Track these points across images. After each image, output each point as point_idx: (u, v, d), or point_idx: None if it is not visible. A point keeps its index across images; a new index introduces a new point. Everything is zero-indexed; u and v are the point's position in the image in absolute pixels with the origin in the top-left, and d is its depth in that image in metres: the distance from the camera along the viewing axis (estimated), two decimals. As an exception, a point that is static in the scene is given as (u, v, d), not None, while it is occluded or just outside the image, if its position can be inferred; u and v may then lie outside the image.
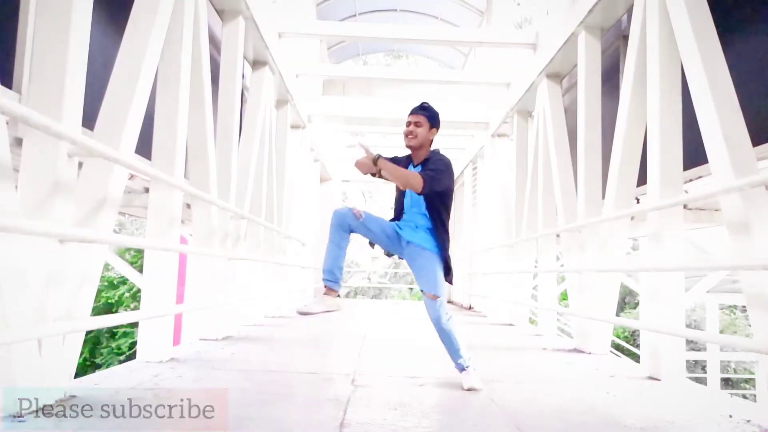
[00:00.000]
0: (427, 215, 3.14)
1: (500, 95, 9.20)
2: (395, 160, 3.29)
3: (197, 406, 2.46)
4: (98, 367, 15.63)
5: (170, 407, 2.43)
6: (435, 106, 3.25)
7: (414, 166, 3.22)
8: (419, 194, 3.02)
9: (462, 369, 3.17)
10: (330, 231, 3.18)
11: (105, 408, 2.35)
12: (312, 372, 3.21)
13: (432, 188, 2.99)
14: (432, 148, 3.25)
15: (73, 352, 2.63)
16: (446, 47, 13.59)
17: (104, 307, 16.60)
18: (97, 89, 3.16)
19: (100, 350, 16.64)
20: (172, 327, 3.86)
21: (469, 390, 3.03)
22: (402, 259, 3.28)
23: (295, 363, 3.84)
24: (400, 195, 3.27)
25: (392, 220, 3.29)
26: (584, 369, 4.04)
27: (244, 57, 6.25)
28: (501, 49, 9.20)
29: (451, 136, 13.11)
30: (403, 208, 3.24)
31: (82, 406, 2.36)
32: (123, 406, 2.41)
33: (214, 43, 5.51)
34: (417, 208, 3.16)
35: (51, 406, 2.33)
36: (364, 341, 5.03)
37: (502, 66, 9.78)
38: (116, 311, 16.21)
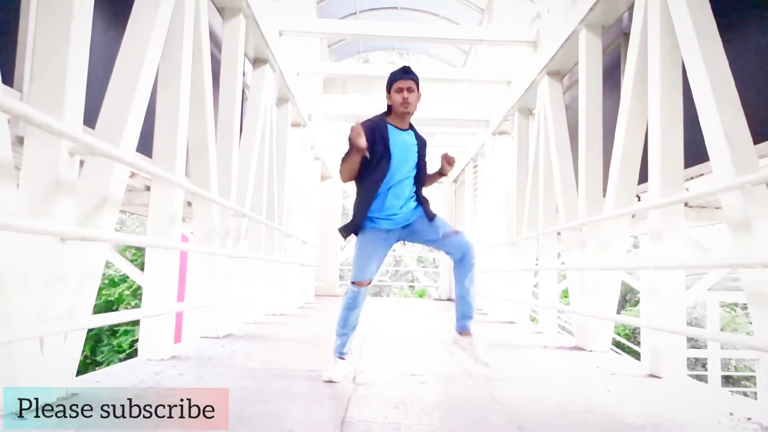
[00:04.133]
0: (414, 183, 3.16)
1: (501, 93, 9.19)
2: (374, 127, 3.03)
3: (198, 404, 2.47)
4: (99, 365, 15.66)
5: (171, 406, 2.44)
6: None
7: (398, 129, 3.09)
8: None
9: (467, 329, 3.12)
10: (346, 309, 3.16)
11: (106, 406, 2.36)
12: (313, 370, 3.21)
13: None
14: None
15: (75, 350, 2.64)
16: (447, 45, 13.57)
17: (105, 305, 16.61)
18: (99, 87, 3.16)
19: (101, 348, 16.66)
20: (174, 325, 3.86)
21: (481, 362, 3.06)
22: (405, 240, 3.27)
23: (296, 361, 3.84)
24: (387, 151, 3.03)
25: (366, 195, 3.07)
26: (585, 367, 4.04)
27: (245, 55, 6.24)
28: (502, 47, 9.19)
29: (452, 133, 13.12)
30: (382, 181, 3.04)
31: (84, 405, 2.36)
32: (124, 404, 2.41)
33: (215, 41, 5.51)
34: (408, 179, 3.12)
35: (52, 404, 2.33)
36: (365, 340, 5.03)
37: (503, 64, 9.77)
38: (116, 309, 16.23)
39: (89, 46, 2.66)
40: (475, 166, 11.73)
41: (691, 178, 4.45)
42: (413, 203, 3.15)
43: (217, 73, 5.35)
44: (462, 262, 3.08)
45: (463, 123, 10.67)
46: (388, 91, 3.10)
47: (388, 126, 3.09)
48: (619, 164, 4.48)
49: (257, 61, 6.72)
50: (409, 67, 3.10)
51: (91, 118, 2.95)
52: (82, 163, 2.82)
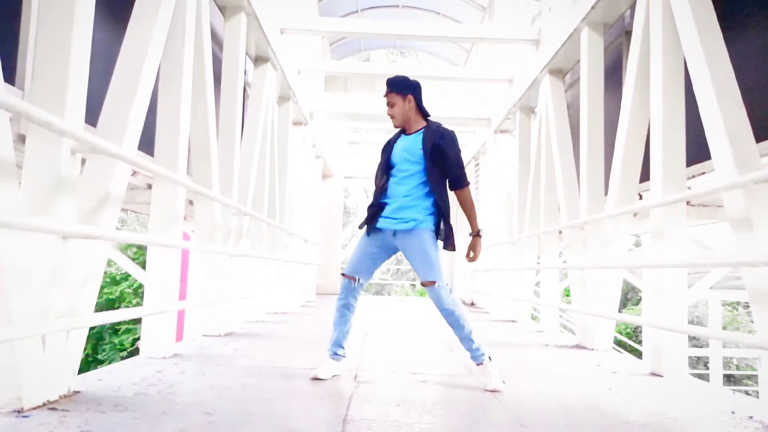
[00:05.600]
0: (425, 184, 3.08)
1: (503, 91, 9.19)
2: (387, 142, 3.24)
3: (200, 402, 2.48)
4: (101, 363, 15.68)
5: (173, 403, 2.44)
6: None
7: (407, 134, 3.17)
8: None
9: (479, 361, 3.05)
10: (337, 310, 3.20)
11: (108, 403, 2.37)
12: (314, 368, 3.21)
13: (465, 175, 3.15)
14: (430, 119, 3.21)
15: (77, 348, 2.64)
16: (448, 43, 13.57)
17: (106, 304, 16.63)
18: (100, 86, 3.16)
19: (103, 346, 16.69)
20: (175, 323, 3.87)
21: (492, 392, 2.93)
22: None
23: (297, 359, 3.84)
24: (389, 159, 3.16)
25: (375, 200, 3.19)
26: (586, 365, 4.05)
27: (246, 53, 6.24)
28: (503, 45, 9.18)
29: (454, 132, 13.10)
30: (390, 175, 3.14)
31: (86, 402, 2.37)
32: (126, 401, 2.42)
33: (216, 40, 5.51)
34: (408, 181, 3.08)
35: (55, 401, 2.34)
36: (367, 338, 5.03)
37: (504, 62, 9.76)
38: (118, 307, 16.25)
39: (91, 44, 2.66)
40: (477, 165, 11.73)
41: (693, 176, 4.45)
42: (408, 208, 3.06)
43: (219, 71, 5.35)
44: (441, 314, 3.07)
45: (464, 121, 10.66)
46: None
47: (401, 136, 3.22)
48: (620, 162, 4.47)
49: (258, 60, 6.72)
50: (389, 79, 3.17)
51: (92, 116, 2.96)
52: (83, 161, 2.83)
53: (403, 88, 3.14)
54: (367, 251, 3.17)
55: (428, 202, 3.08)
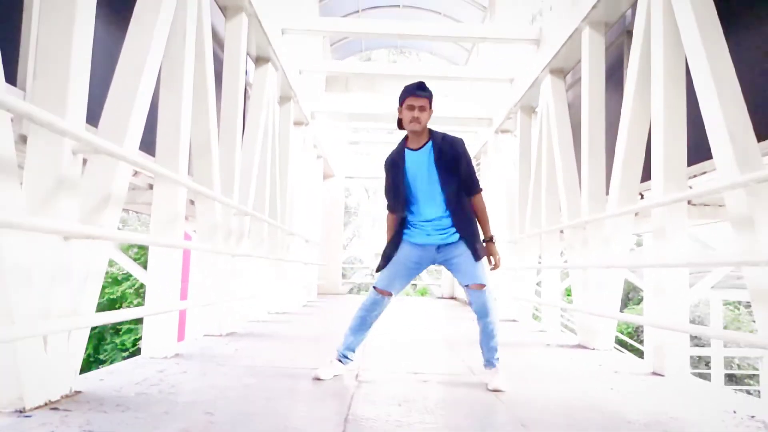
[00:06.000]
0: (448, 200, 3.04)
1: (504, 91, 9.18)
2: (393, 161, 3.13)
3: (202, 401, 2.48)
4: (102, 363, 15.71)
5: (175, 403, 2.44)
6: (438, 101, 3.20)
7: (413, 150, 3.07)
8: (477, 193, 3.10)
9: (490, 366, 3.09)
10: (360, 318, 3.18)
11: (110, 403, 2.37)
12: (316, 368, 3.21)
13: (478, 181, 3.13)
14: (429, 128, 3.14)
15: (78, 348, 2.64)
16: (449, 43, 13.56)
17: (107, 304, 16.66)
18: (101, 86, 3.16)
19: (105, 347, 16.73)
20: (177, 323, 3.87)
21: (494, 391, 2.93)
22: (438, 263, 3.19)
23: (298, 359, 3.84)
24: (402, 183, 3.07)
25: (395, 212, 3.17)
26: (588, 365, 4.04)
27: (247, 53, 6.25)
28: (504, 44, 9.18)
29: (455, 132, 13.06)
30: (410, 200, 3.09)
31: (88, 402, 2.37)
32: (128, 401, 2.42)
33: (217, 40, 5.51)
34: (434, 198, 3.04)
35: (57, 401, 2.34)
36: (368, 337, 5.03)
37: (505, 62, 9.76)
38: (119, 308, 16.26)
39: (92, 44, 2.66)
40: (478, 165, 11.72)
41: (695, 175, 4.44)
42: (447, 221, 3.05)
43: (220, 71, 5.36)
44: (480, 320, 3.07)
45: (465, 121, 10.67)
46: (400, 104, 3.05)
47: (405, 151, 3.10)
48: (622, 162, 4.47)
49: (260, 60, 6.73)
50: (423, 84, 3.05)
51: (94, 116, 2.96)
52: (85, 161, 2.83)
53: (432, 100, 3.06)
54: (406, 265, 3.13)
55: (464, 223, 3.07)
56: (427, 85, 3.04)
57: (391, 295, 3.15)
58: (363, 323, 3.20)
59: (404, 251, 3.12)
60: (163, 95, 3.82)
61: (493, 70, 9.68)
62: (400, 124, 3.10)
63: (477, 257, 3.03)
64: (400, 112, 3.06)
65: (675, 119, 3.82)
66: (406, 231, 3.13)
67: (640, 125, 4.35)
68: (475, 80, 10.93)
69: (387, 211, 3.26)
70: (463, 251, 3.04)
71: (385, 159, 3.21)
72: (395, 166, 3.11)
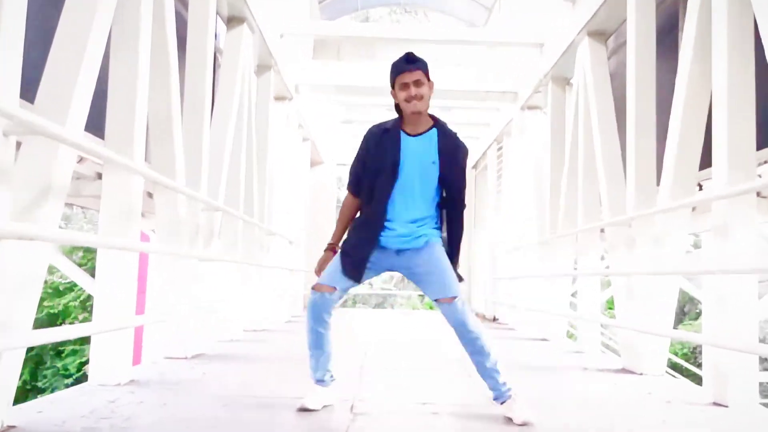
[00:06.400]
0: (437, 195, 3.14)
1: (532, 59, 9.17)
2: (379, 140, 3.14)
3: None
4: (41, 391, 15.75)
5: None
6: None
7: (411, 136, 3.10)
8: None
9: (503, 398, 3.03)
10: (310, 331, 3.20)
11: (51, 441, 2.37)
12: (300, 397, 3.21)
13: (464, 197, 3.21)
14: (435, 116, 3.19)
15: (12, 373, 2.65)
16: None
17: (47, 319, 16.69)
18: (38, 56, 3.16)
19: (44, 372, 16.76)
20: (132, 343, 3.88)
21: (521, 425, 2.90)
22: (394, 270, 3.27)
23: (280, 386, 3.85)
24: (389, 171, 3.08)
25: (358, 196, 3.23)
26: (635, 393, 4.05)
27: (217, 12, 6.24)
28: (533, 1, 9.17)
29: (472, 108, 13.08)
30: (388, 198, 3.10)
31: (23, 439, 2.38)
32: (72, 438, 2.43)
33: (181, -4, 5.51)
34: (420, 195, 3.10)
35: (-15, 438, 2.35)
36: (366, 359, 5.05)
37: (533, 23, 9.74)
38: (62, 324, 16.29)
39: (26, 6, 2.65)
40: (500, 148, 11.72)
41: (765, 162, 4.44)
42: (423, 224, 3.09)
43: (184, 35, 5.35)
44: (462, 340, 3.06)
45: (485, 95, 10.65)
46: (392, 86, 3.07)
47: (402, 135, 3.11)
48: (676, 145, 4.46)
49: (232, 20, 6.71)
50: (412, 54, 3.07)
51: (29, 91, 2.96)
52: (19, 145, 2.83)
53: (427, 70, 3.07)
54: (353, 264, 3.15)
55: (436, 214, 3.15)
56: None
57: (333, 290, 3.14)
58: (317, 336, 3.18)
59: (363, 251, 3.13)
60: (114, 65, 3.82)
61: (518, 33, 9.66)
62: (399, 109, 3.13)
63: (453, 262, 3.11)
64: (393, 95, 3.10)
65: (742, 93, 3.81)
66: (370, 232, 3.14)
67: (699, 101, 4.35)
68: (496, 45, 10.91)
69: (348, 192, 3.28)
70: (427, 259, 3.07)
71: (368, 130, 3.21)
72: (381, 146, 3.12)
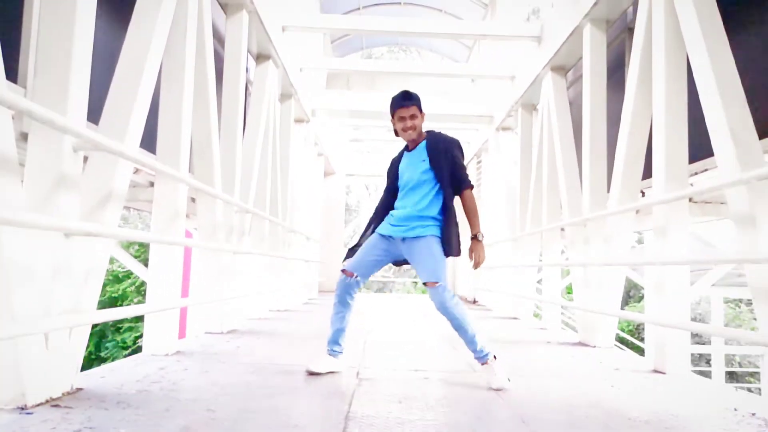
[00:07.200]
0: (432, 192, 3.11)
1: (505, 88, 9.17)
2: (392, 162, 3.34)
3: (203, 398, 2.48)
4: (104, 360, 15.73)
5: (176, 400, 2.45)
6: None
7: (409, 151, 3.22)
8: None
9: (483, 361, 3.04)
10: (334, 306, 3.28)
11: (111, 400, 2.37)
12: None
13: (467, 177, 3.17)
14: (428, 130, 3.27)
15: (80, 345, 2.65)
16: (450, 41, 13.54)
17: (108, 301, 16.67)
18: (102, 83, 3.16)
19: (106, 344, 16.74)
20: (178, 320, 3.87)
21: (498, 390, 2.91)
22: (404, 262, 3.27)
23: (299, 356, 3.84)
24: (394, 178, 3.28)
25: (383, 207, 3.31)
26: (589, 362, 4.05)
27: (248, 51, 6.24)
28: (505, 42, 9.17)
29: (456, 129, 13.08)
30: (397, 194, 3.25)
31: (89, 399, 2.38)
32: (129, 398, 2.43)
33: (218, 37, 5.51)
34: (417, 191, 3.13)
35: (58, 398, 2.35)
36: (369, 335, 5.04)
37: (506, 59, 9.74)
38: (120, 305, 16.27)
39: (93, 41, 2.66)
40: (479, 162, 11.71)
41: (696, 173, 4.44)
42: (421, 216, 3.10)
43: (221, 69, 5.35)
44: (440, 313, 3.06)
45: (466, 119, 10.65)
46: (392, 116, 3.18)
47: (404, 154, 3.28)
48: (623, 159, 4.46)
49: (260, 57, 6.72)
50: (408, 92, 3.16)
51: (95, 114, 2.96)
52: (86, 159, 2.83)
53: (420, 104, 3.17)
54: (373, 252, 3.22)
55: (435, 210, 3.12)
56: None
57: (354, 276, 3.19)
58: (338, 312, 3.26)
59: (374, 239, 3.24)
60: (164, 93, 3.82)
61: (494, 68, 9.66)
62: (398, 133, 3.22)
63: (441, 254, 3.07)
64: (393, 123, 3.21)
65: (676, 116, 3.81)
66: (382, 222, 3.26)
67: (641, 122, 4.35)
68: (476, 77, 10.93)
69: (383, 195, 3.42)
70: (423, 247, 3.07)
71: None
72: (393, 165, 3.33)
